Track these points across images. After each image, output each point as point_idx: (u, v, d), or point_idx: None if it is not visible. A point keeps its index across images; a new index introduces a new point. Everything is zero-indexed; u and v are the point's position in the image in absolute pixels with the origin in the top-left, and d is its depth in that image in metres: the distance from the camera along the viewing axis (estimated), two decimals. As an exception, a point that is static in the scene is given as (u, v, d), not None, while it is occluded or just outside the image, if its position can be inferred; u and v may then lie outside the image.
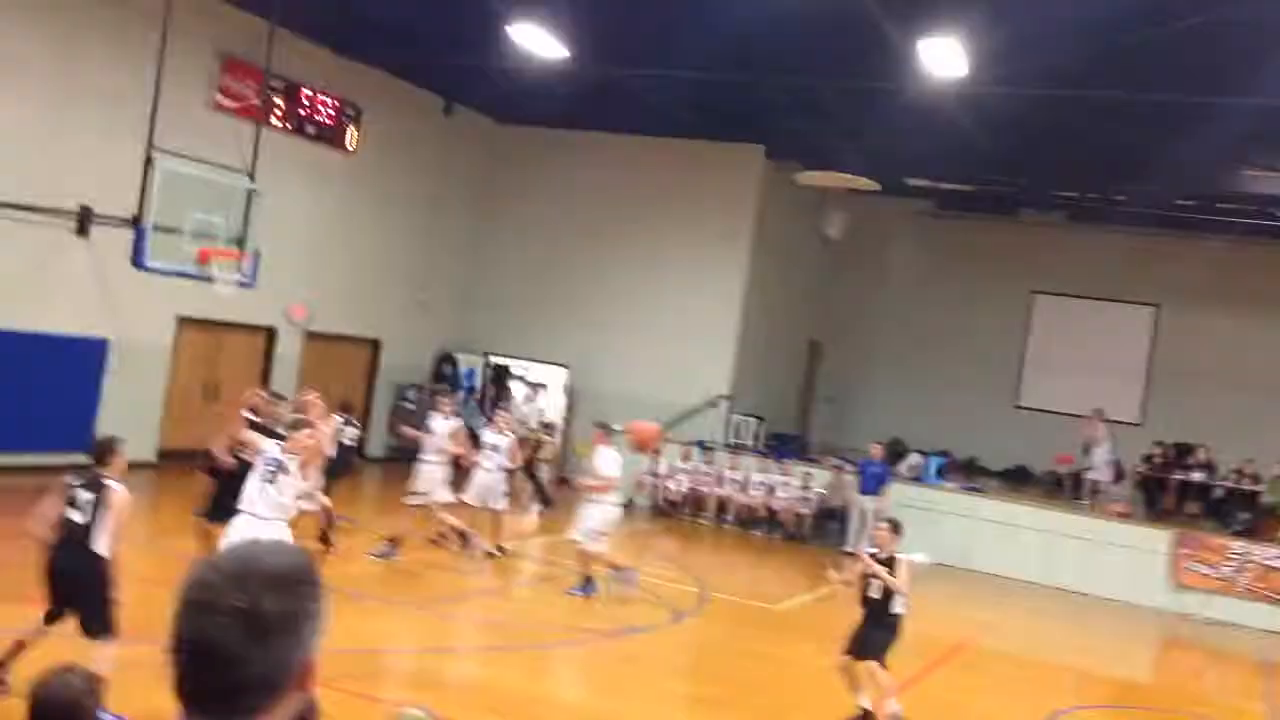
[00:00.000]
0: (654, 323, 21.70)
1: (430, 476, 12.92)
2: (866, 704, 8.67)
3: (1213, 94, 13.95)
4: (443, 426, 13.27)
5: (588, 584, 11.88)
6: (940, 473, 20.05)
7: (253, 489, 8.18)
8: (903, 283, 25.09)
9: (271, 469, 8.18)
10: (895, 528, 9.07)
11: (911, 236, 25.00)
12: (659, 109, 19.13)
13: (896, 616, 8.67)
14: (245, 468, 8.53)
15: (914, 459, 20.53)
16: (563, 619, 11.48)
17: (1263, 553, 17.12)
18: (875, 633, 8.60)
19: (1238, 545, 17.29)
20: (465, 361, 22.27)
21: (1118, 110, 14.97)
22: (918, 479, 19.67)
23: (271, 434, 8.99)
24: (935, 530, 18.50)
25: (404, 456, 20.28)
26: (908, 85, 15.11)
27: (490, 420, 15.35)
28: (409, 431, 14.21)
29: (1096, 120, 15.94)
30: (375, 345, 21.07)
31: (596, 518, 11.97)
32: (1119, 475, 20.01)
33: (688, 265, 21.75)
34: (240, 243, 13.20)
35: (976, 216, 24.15)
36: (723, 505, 19.53)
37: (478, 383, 22.13)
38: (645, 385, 20.94)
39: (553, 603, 12.16)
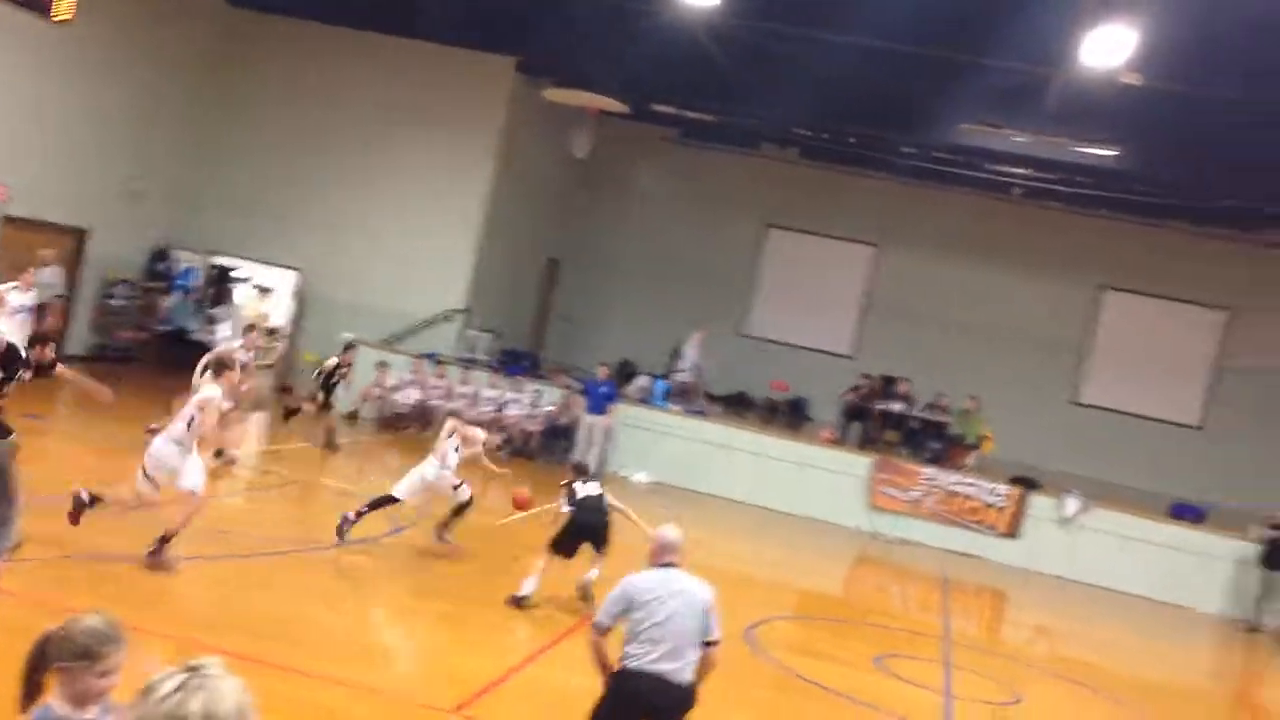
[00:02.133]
0: (392, 231, 21.20)
1: None
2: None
3: (953, 50, 14.70)
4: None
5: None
6: (667, 396, 20.65)
7: None
8: (645, 207, 25.49)
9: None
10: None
11: (656, 162, 25.40)
12: (410, 10, 18.50)
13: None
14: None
15: (642, 381, 21.05)
16: (276, 530, 11.23)
17: (948, 478, 18.68)
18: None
19: (927, 471, 18.78)
20: (185, 260, 21.06)
21: (864, 55, 15.45)
22: (645, 401, 20.21)
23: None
24: (659, 450, 19.15)
25: (109, 355, 19.25)
26: (663, 8, 15.25)
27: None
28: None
29: (839, 63, 16.53)
30: (81, 235, 19.57)
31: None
32: (696, 385, 21.01)
33: (430, 174, 21.31)
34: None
35: (719, 147, 24.76)
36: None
37: (196, 282, 20.99)
38: (380, 294, 20.54)
39: (268, 512, 11.84)
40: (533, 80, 21.16)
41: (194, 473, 8.98)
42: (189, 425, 8.97)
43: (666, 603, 5.63)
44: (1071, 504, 18.29)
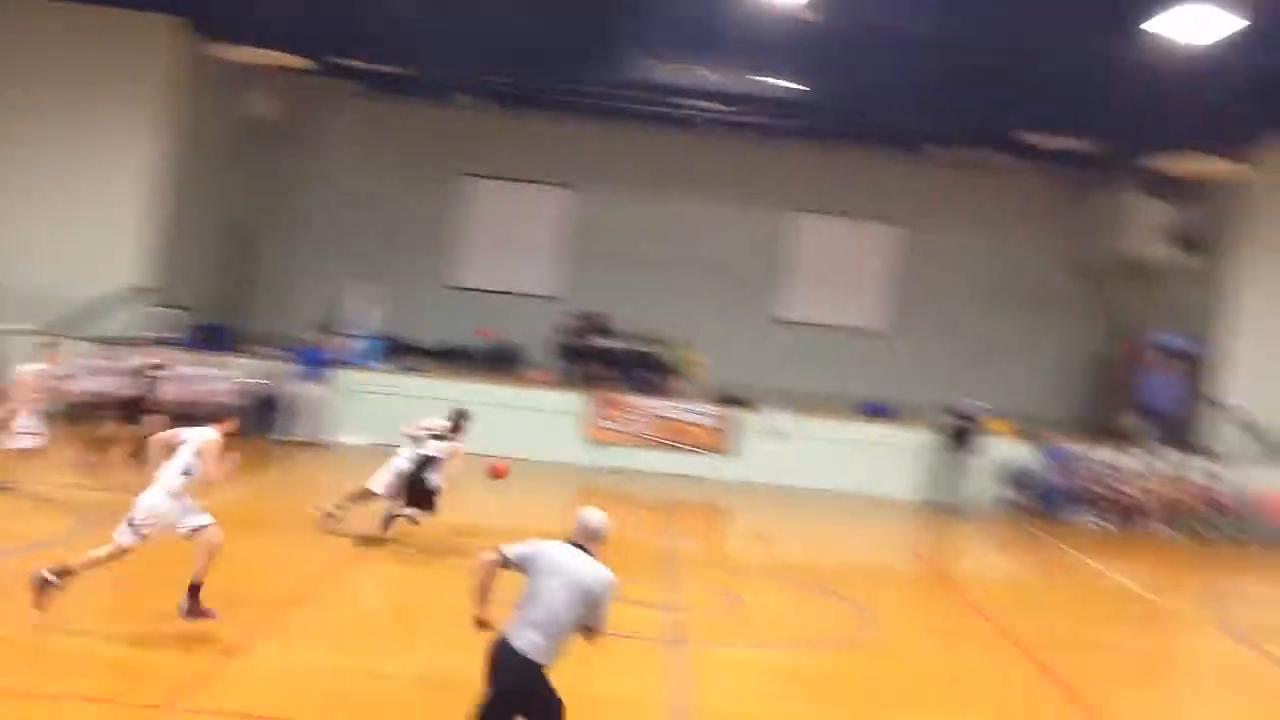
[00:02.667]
0: (59, 206, 19.62)
1: None
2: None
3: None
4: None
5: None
6: (378, 355, 20.24)
7: None
8: (339, 165, 24.70)
9: None
10: None
11: (347, 119, 24.63)
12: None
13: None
14: None
15: (351, 342, 20.52)
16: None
17: (663, 406, 19.32)
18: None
19: (642, 402, 19.34)
20: None
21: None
22: (355, 362, 19.73)
23: None
24: (374, 411, 18.74)
25: None
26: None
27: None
28: None
29: (515, 5, 16.48)
30: None
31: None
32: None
33: (98, 144, 19.82)
34: None
35: (411, 100, 24.28)
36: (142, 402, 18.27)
37: None
38: (45, 276, 18.93)
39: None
40: (206, 40, 19.98)
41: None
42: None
43: (552, 580, 5.61)
44: (778, 416, 19.32)
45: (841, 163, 24.60)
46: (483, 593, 5.82)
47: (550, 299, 24.55)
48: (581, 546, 5.83)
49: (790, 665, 9.46)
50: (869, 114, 21.10)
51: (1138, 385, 21.42)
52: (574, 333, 21.82)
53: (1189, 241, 21.55)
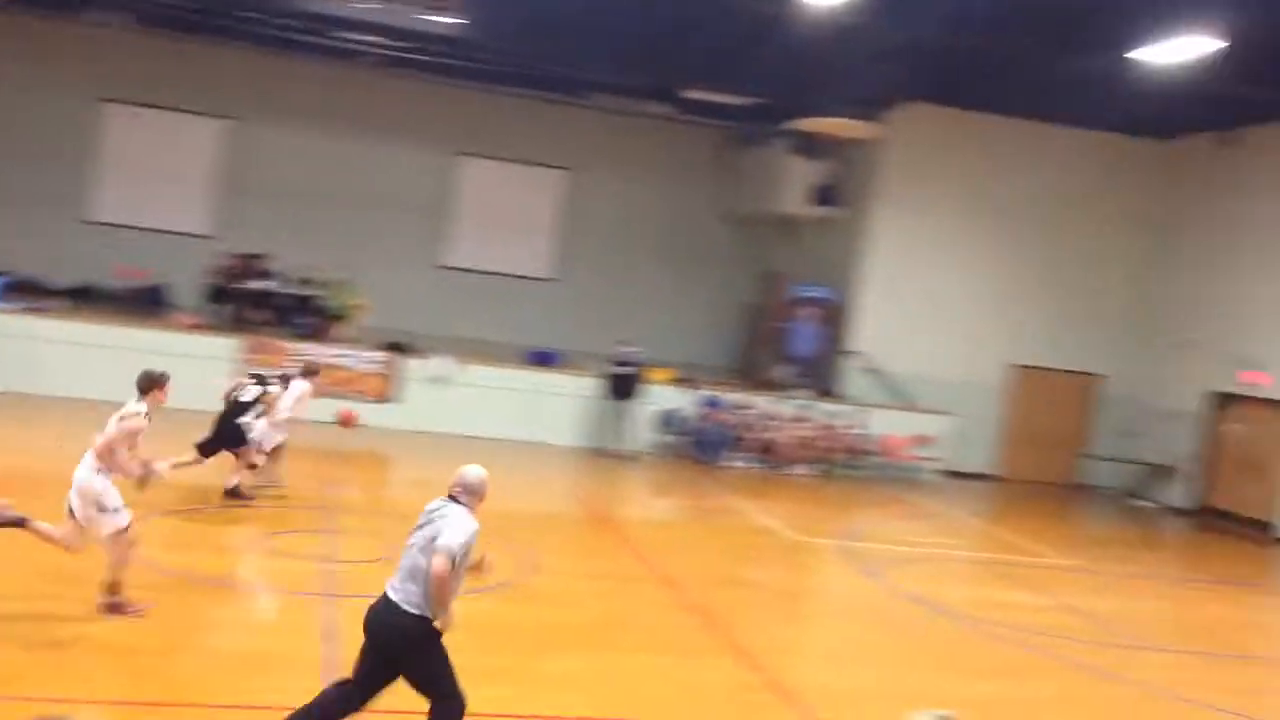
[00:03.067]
0: None
1: None
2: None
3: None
4: None
5: None
6: (2, 293, 18.32)
7: None
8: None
9: None
10: None
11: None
12: None
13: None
14: None
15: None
16: None
17: (323, 352, 18.58)
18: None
19: (301, 347, 18.53)
20: None
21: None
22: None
23: None
24: (-3, 355, 17.04)
25: None
26: None
27: None
28: None
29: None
30: None
31: None
32: None
33: None
34: None
35: (34, 13, 21.89)
36: None
37: None
38: None
39: None
40: None
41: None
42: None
43: (421, 528, 5.83)
44: (442, 363, 19.09)
45: (507, 106, 24.47)
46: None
47: (203, 237, 23.06)
48: (455, 499, 6.02)
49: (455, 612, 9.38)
50: (533, 57, 21.07)
51: (783, 334, 22.81)
52: (228, 274, 20.60)
53: (829, 197, 23.07)
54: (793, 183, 23.16)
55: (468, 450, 17.87)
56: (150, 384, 8.22)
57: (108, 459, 7.91)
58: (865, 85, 19.12)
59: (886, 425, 20.77)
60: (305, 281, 20.44)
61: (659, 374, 20.23)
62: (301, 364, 13.86)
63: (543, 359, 20.78)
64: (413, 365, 19.13)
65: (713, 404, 20.13)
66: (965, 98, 20.72)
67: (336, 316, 20.01)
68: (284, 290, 20.27)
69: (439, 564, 5.66)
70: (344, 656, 7.93)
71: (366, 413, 18.59)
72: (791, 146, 23.01)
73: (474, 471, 6.11)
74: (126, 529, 7.98)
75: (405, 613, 5.71)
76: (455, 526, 5.81)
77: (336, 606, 9.03)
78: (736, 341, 26.46)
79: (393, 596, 5.74)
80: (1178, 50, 15.18)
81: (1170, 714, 9.36)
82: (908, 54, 17.21)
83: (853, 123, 20.18)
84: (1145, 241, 22.42)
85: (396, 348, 19.29)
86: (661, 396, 20.05)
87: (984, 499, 20.60)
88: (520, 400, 19.48)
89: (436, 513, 5.96)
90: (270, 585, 9.82)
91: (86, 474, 7.90)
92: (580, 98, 24.33)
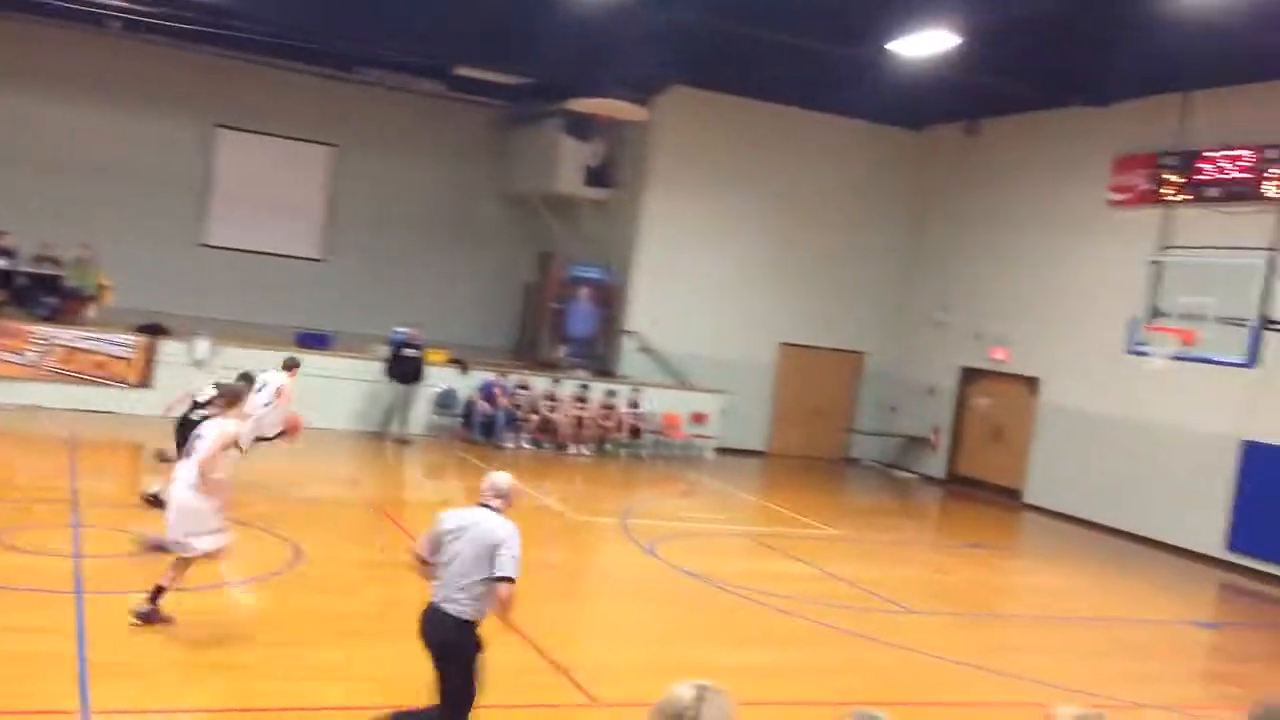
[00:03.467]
0: None
1: None
2: None
3: None
4: None
5: None
6: None
7: None
8: None
9: None
10: None
11: None
12: None
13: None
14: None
15: None
16: None
17: (68, 335, 17.35)
18: None
19: (42, 329, 17.24)
20: None
21: None
22: None
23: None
24: None
25: None
26: None
27: None
28: None
29: None
30: None
31: None
32: None
33: None
34: None
35: None
36: None
37: None
38: None
39: None
40: None
41: None
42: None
43: (458, 540, 5.97)
44: (202, 346, 18.10)
45: (270, 78, 23.43)
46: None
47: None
48: (488, 505, 6.16)
49: (213, 605, 8.90)
50: (298, 27, 20.21)
51: (561, 314, 22.78)
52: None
53: (603, 178, 23.16)
54: (567, 163, 23.12)
55: (231, 437, 17.05)
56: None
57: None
58: (635, 67, 19.25)
59: (663, 404, 21.05)
60: (45, 259, 18.97)
61: (435, 355, 19.83)
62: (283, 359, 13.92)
63: (314, 341, 20.02)
64: (170, 348, 18.05)
65: (491, 385, 19.90)
66: (731, 83, 21.13)
67: (82, 296, 18.67)
68: (21, 268, 18.74)
69: (506, 592, 5.94)
70: (98, 656, 7.40)
71: (120, 399, 17.54)
72: (564, 127, 22.93)
73: (503, 477, 6.31)
74: None
75: (461, 620, 5.99)
76: (509, 543, 5.98)
77: (87, 603, 8.41)
78: (514, 322, 26.28)
79: (447, 609, 5.98)
80: (926, 43, 15.91)
81: (932, 673, 9.81)
82: (675, 38, 17.42)
83: (623, 104, 20.27)
84: (902, 226, 23.50)
85: (150, 330, 18.17)
86: (439, 378, 19.66)
87: (756, 474, 21.19)
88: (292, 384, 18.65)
89: (472, 522, 6.07)
90: (16, 584, 9.02)
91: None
92: (348, 72, 23.53)
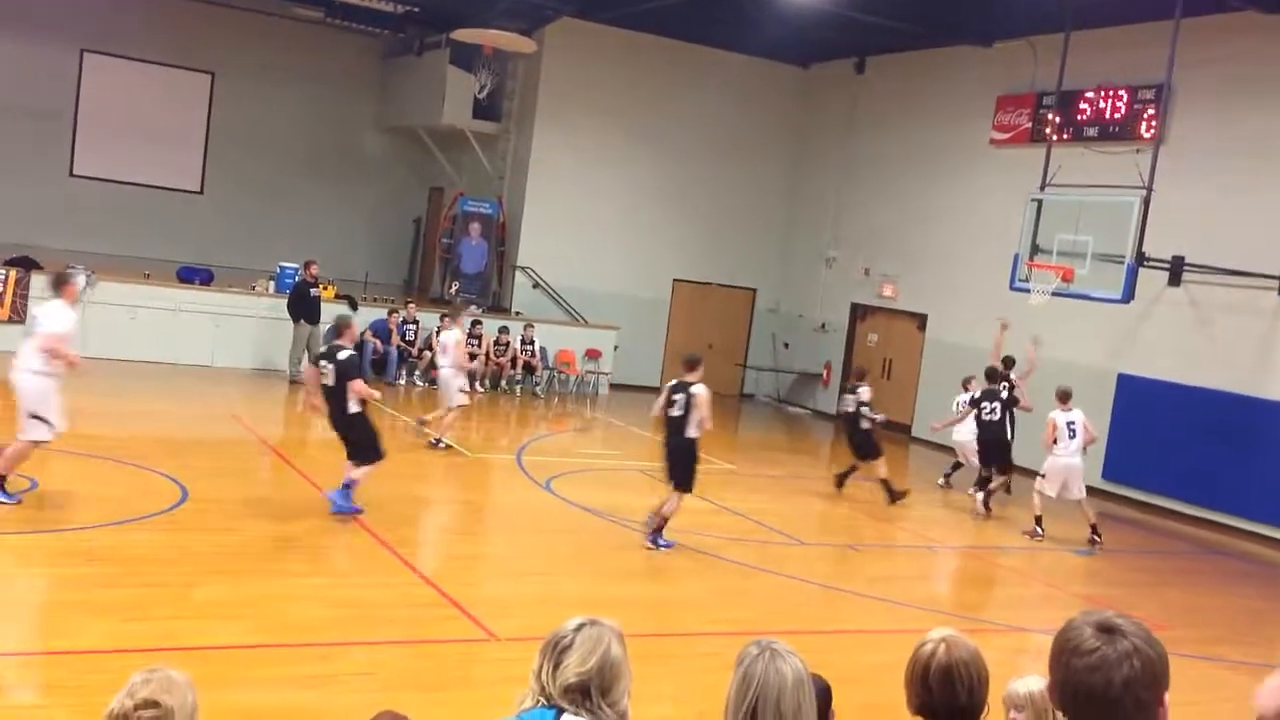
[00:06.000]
0: None
1: None
2: None
3: None
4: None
5: None
6: None
7: None
8: None
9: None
10: None
11: None
12: None
13: None
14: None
15: None
16: None
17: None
18: None
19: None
20: None
21: None
22: None
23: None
24: None
25: None
26: None
27: None
28: None
29: None
30: None
31: None
32: None
33: None
34: None
35: None
36: None
37: None
38: None
39: None
40: None
41: None
42: None
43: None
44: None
45: (140, 2, 22.39)
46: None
47: None
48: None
49: (95, 545, 8.64)
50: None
51: (452, 250, 22.44)
52: None
53: (491, 110, 22.73)
54: (453, 95, 22.57)
55: (110, 375, 16.52)
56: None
57: None
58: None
59: (557, 340, 20.97)
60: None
61: (325, 292, 19.37)
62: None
63: (196, 276, 19.41)
64: (39, 282, 17.30)
65: (382, 322, 19.56)
66: (620, 16, 20.82)
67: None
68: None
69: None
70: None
71: (-12, 336, 16.78)
72: (450, 58, 22.36)
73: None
74: None
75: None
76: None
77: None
78: (405, 257, 25.84)
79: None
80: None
81: (821, 602, 10.03)
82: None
83: (509, 35, 19.88)
84: (792, 163, 23.63)
85: (20, 263, 17.39)
86: (329, 313, 19.19)
87: (650, 410, 21.27)
88: (176, 320, 18.13)
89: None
90: None
91: None
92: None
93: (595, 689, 2.85)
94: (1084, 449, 13.49)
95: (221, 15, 23.06)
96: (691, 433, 10.54)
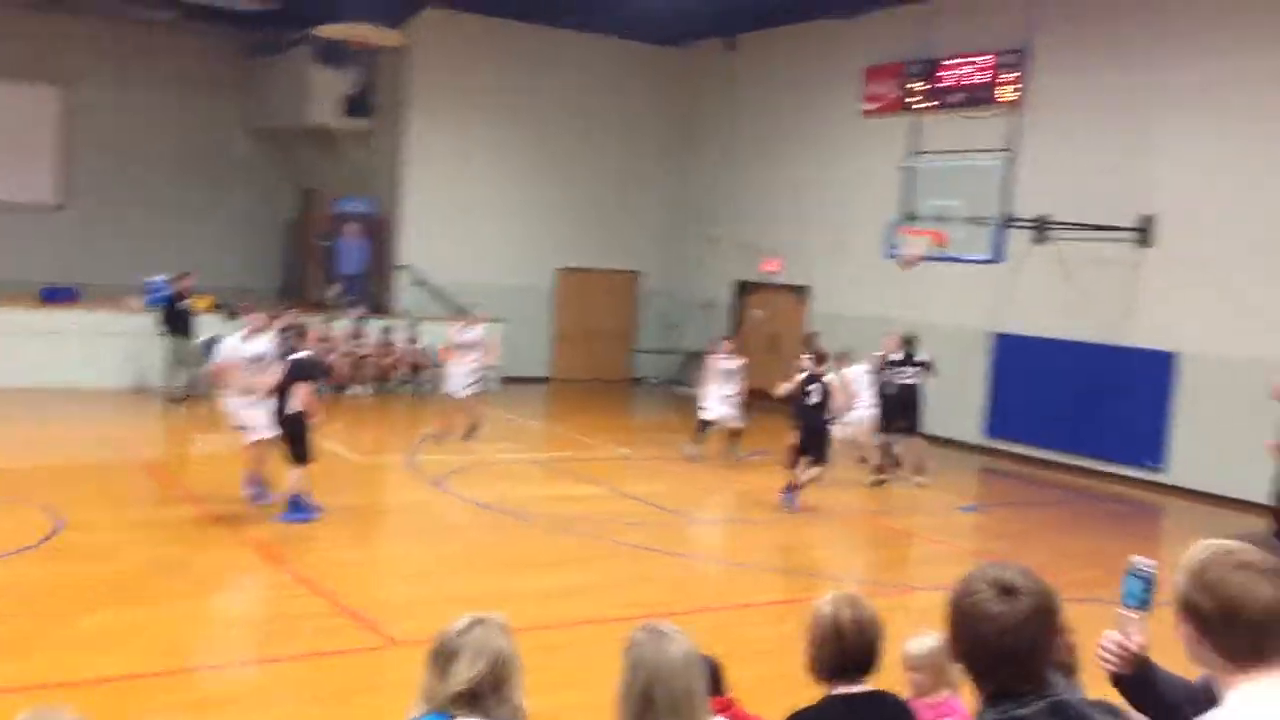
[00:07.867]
0: None
1: None
2: None
3: None
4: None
5: None
6: None
7: None
8: None
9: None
10: None
11: None
12: None
13: None
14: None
15: None
16: None
17: None
18: None
19: None
20: None
21: None
22: None
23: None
24: None
25: None
26: None
27: None
28: None
29: None
30: None
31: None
32: None
33: None
34: None
35: None
36: None
37: None
38: None
39: None
40: None
41: None
42: None
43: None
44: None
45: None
46: None
47: None
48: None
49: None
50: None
51: (329, 252, 21.98)
52: None
53: (361, 107, 22.28)
54: (320, 93, 22.02)
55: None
56: None
57: None
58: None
59: (441, 337, 20.68)
60: None
61: (200, 302, 18.79)
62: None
63: (59, 295, 18.66)
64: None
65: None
66: (487, 4, 20.59)
67: None
68: None
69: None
70: None
71: None
72: (314, 55, 21.82)
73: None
74: None
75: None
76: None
77: None
78: (280, 262, 25.22)
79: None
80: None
81: (720, 578, 10.10)
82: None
83: (375, 29, 19.49)
84: (670, 144, 23.68)
85: None
86: (203, 326, 18.66)
87: (542, 401, 21.20)
88: (40, 343, 17.40)
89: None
90: None
91: None
92: (69, 5, 21.66)
93: (487, 690, 2.82)
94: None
95: (68, 24, 22.14)
96: (828, 416, 12.53)
